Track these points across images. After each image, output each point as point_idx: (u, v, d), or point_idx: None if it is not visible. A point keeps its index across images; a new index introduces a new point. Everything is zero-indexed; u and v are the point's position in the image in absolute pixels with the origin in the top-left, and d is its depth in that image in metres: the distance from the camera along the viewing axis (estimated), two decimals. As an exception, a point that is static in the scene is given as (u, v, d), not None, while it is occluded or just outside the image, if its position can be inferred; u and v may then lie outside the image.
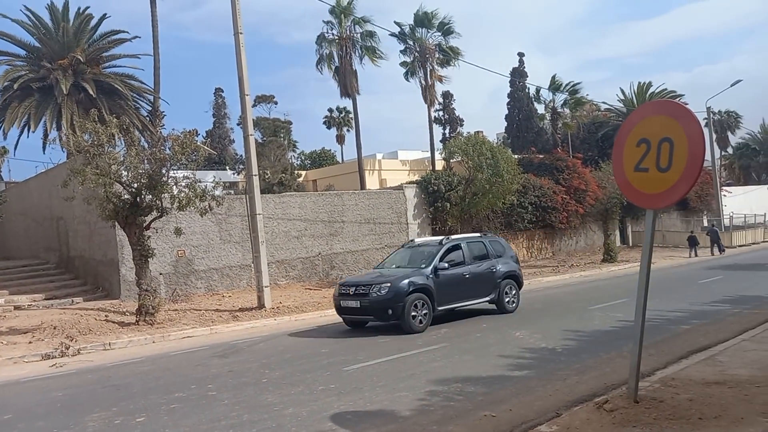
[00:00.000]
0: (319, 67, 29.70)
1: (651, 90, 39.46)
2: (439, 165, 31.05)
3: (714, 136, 43.06)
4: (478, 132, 31.83)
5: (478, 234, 14.00)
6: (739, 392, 5.67)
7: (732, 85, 35.68)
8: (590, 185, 27.76)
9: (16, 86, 23.91)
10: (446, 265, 11.71)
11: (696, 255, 27.33)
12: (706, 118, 37.17)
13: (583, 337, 9.64)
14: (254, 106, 44.77)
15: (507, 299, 12.61)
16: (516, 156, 25.34)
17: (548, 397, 6.40)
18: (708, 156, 34.52)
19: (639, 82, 40.20)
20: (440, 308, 11.43)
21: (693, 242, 28.08)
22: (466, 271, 12.07)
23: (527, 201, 25.86)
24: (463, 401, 6.41)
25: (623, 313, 11.35)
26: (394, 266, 12.39)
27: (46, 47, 25.37)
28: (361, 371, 8.00)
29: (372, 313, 11.01)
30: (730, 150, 59.95)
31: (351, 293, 11.29)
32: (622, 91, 40.89)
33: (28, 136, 26.42)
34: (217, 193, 14.58)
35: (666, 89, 40.23)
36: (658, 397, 5.62)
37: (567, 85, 32.83)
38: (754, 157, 57.64)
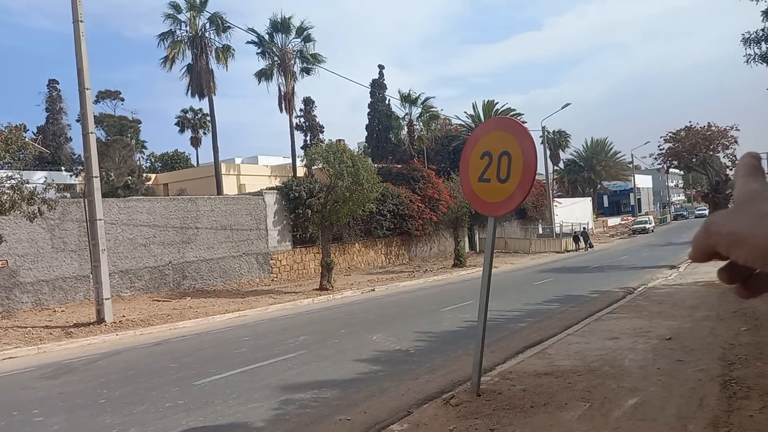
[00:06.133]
0: (166, 64, 28.03)
1: (496, 107, 43.13)
2: (301, 171, 30.89)
3: (548, 153, 48.07)
4: (339, 140, 32.28)
5: None
6: (563, 381, 6.36)
7: (562, 108, 40.36)
8: (443, 195, 29.46)
9: None
10: None
11: (588, 248, 35.60)
12: (542, 136, 41.37)
13: (433, 338, 10.15)
14: (97, 102, 41.00)
15: None
16: (376, 165, 26.11)
17: (401, 396, 6.64)
18: (542, 170, 38.66)
19: (485, 100, 43.86)
20: None
21: (577, 239, 36.41)
22: None
23: (386, 209, 26.73)
24: (319, 407, 6.41)
25: (470, 314, 12.09)
26: None
27: None
28: (214, 384, 7.64)
29: None
30: (561, 165, 67.26)
31: None
32: (474, 107, 44.20)
33: None
34: (49, 195, 13.06)
35: (509, 107, 44.41)
36: (497, 390, 6.09)
37: (419, 96, 34.81)
38: (580, 172, 65.42)
